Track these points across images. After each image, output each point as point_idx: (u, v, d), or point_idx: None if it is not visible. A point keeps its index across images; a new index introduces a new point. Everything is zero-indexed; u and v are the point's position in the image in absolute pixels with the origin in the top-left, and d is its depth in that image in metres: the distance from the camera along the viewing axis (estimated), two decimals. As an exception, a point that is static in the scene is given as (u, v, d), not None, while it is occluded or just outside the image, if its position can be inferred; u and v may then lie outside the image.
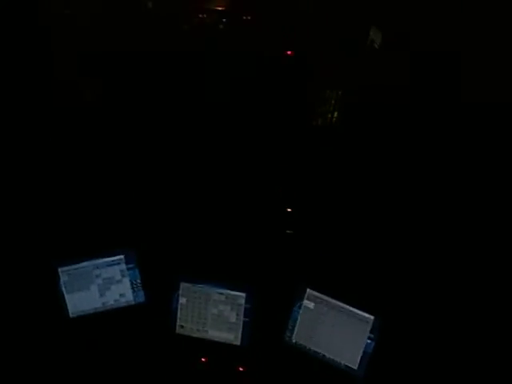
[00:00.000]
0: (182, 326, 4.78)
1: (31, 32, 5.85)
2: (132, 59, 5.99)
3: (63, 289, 4.74)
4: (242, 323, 4.68)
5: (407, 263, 5.05)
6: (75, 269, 4.75)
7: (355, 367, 4.50)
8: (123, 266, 4.73)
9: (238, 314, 4.68)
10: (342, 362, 4.52)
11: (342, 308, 4.50)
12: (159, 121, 5.86)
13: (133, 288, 4.77)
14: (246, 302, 4.65)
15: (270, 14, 6.45)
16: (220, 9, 6.55)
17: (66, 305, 4.74)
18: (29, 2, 5.94)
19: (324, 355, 4.57)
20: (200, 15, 6.51)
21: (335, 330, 4.54)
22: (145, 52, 6.00)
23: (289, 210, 5.67)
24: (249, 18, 6.52)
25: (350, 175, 5.68)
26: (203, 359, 4.76)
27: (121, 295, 4.79)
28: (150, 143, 5.71)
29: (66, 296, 4.75)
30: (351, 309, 4.49)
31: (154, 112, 5.86)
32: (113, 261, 4.73)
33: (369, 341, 4.44)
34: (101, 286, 4.76)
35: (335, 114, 6.10)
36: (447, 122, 5.59)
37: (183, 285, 4.72)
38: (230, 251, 5.15)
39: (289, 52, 6.33)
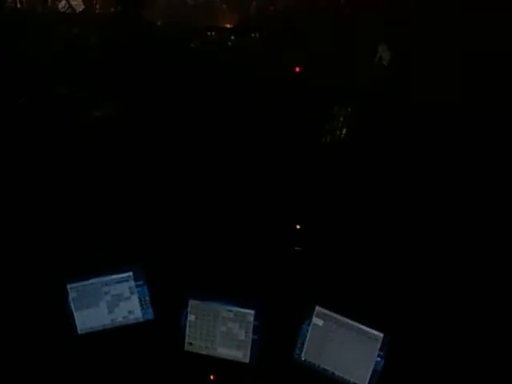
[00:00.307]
0: (190, 344, 4.78)
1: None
2: (143, 75, 6.06)
3: (72, 305, 4.75)
4: (250, 341, 4.67)
5: (417, 280, 5.03)
6: (84, 285, 4.76)
7: (365, 385, 4.48)
8: (132, 283, 4.74)
9: (246, 332, 4.67)
10: (352, 380, 4.50)
11: (352, 325, 4.49)
12: (169, 134, 5.89)
13: (141, 305, 4.77)
14: (255, 320, 4.64)
15: (279, 31, 6.51)
16: (229, 26, 6.63)
17: (74, 321, 4.74)
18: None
19: (333, 373, 4.56)
20: (209, 33, 6.58)
21: (344, 347, 4.52)
22: (155, 67, 6.07)
23: (298, 226, 5.68)
24: (257, 35, 6.58)
25: (360, 191, 5.68)
26: (212, 377, 4.75)
27: (129, 312, 4.80)
28: (159, 157, 5.74)
29: (75, 313, 4.76)
30: (360, 326, 4.47)
31: (164, 127, 5.90)
32: (122, 278, 4.74)
33: (378, 358, 4.42)
34: (109, 303, 4.77)
35: (344, 131, 6.13)
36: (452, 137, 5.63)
37: (192, 302, 4.72)
38: (239, 268, 5.15)
39: (297, 68, 6.37)
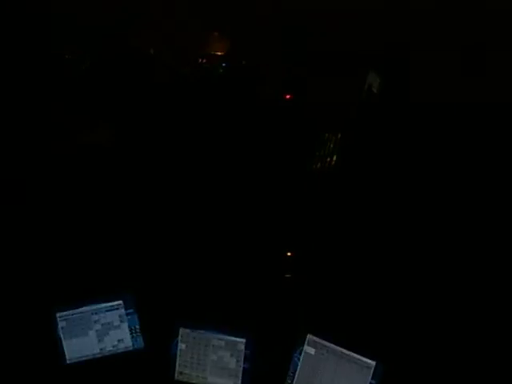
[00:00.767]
0: (181, 373, 4.75)
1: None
2: (139, 101, 6.10)
3: (61, 334, 4.71)
4: (241, 369, 4.65)
5: (408, 308, 5.04)
6: (73, 314, 4.73)
7: (357, 414, 4.46)
8: (122, 311, 4.72)
9: (237, 360, 4.65)
10: (344, 409, 4.48)
11: (343, 353, 4.49)
12: (158, 162, 5.91)
13: (132, 334, 4.75)
14: (246, 348, 4.63)
15: (270, 59, 6.58)
16: (219, 53, 6.69)
17: (63, 350, 4.70)
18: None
19: (325, 402, 4.53)
20: (200, 60, 6.64)
21: (336, 375, 4.51)
22: (150, 95, 6.13)
23: (288, 253, 5.68)
24: (247, 62, 6.64)
25: (350, 219, 5.71)
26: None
27: (119, 341, 4.77)
28: (150, 184, 5.75)
29: (64, 342, 4.74)
30: (352, 354, 4.47)
31: (155, 154, 5.92)
32: (112, 306, 4.72)
33: (370, 387, 4.40)
34: (99, 332, 4.75)
35: (334, 158, 6.17)
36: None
37: (182, 330, 4.70)
38: (229, 296, 5.15)
39: (288, 96, 6.44)
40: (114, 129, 6.02)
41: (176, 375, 4.80)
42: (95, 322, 4.75)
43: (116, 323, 4.77)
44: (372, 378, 4.46)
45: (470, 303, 4.98)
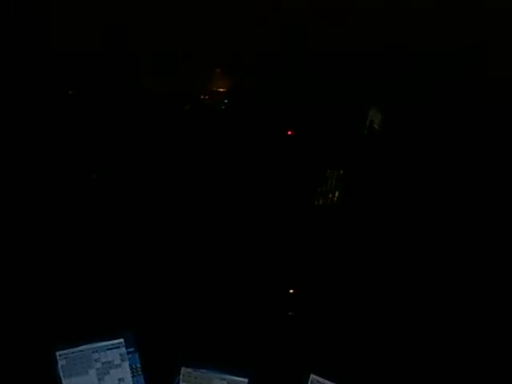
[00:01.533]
0: (182, 413, 4.70)
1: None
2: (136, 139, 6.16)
3: (61, 373, 4.66)
4: (244, 409, 4.59)
5: (403, 344, 5.05)
6: (73, 352, 4.68)
7: None
8: (123, 350, 4.68)
9: (239, 400, 4.60)
10: None
11: (347, 394, 4.44)
12: (160, 200, 5.95)
13: (132, 373, 4.71)
14: (249, 388, 4.58)
15: (271, 96, 6.65)
16: (221, 90, 6.77)
17: (63, 390, 4.65)
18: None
19: None
20: (202, 96, 6.72)
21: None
22: (149, 133, 6.19)
23: (291, 291, 5.68)
24: (249, 98, 6.72)
25: (353, 258, 5.73)
26: None
27: (120, 380, 4.73)
28: (152, 224, 5.78)
29: (64, 380, 4.68)
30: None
31: (156, 192, 5.96)
32: (112, 344, 4.69)
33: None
34: (100, 371, 4.70)
35: (336, 194, 6.21)
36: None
37: (184, 370, 4.67)
38: (232, 335, 5.13)
39: (289, 132, 6.50)
40: (114, 165, 6.07)
41: (177, 415, 4.75)
42: (96, 360, 4.71)
43: (117, 362, 4.73)
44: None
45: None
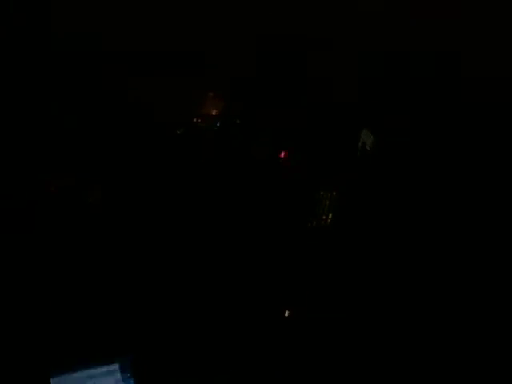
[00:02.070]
0: None
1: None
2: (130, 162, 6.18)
3: (56, 400, 4.63)
4: None
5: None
6: (68, 378, 4.66)
7: None
8: (118, 376, 4.67)
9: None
10: None
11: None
12: (154, 226, 5.95)
13: (127, 398, 4.68)
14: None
15: (262, 117, 6.71)
16: (214, 113, 6.82)
17: (57, 417, 4.62)
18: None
19: None
20: (195, 119, 6.76)
21: None
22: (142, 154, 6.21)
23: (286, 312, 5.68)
24: (241, 121, 6.78)
25: (348, 280, 5.75)
26: None
27: (115, 406, 4.69)
28: (145, 250, 5.78)
29: (59, 407, 4.64)
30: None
31: (150, 216, 5.96)
32: (108, 370, 4.66)
33: None
34: (95, 397, 4.67)
35: (330, 216, 6.24)
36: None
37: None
38: (232, 355, 5.12)
39: (282, 153, 6.54)
40: (106, 189, 6.09)
41: None
42: (91, 386, 4.68)
43: (112, 388, 4.71)
44: None
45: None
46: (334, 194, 6.34)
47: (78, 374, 4.69)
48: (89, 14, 6.31)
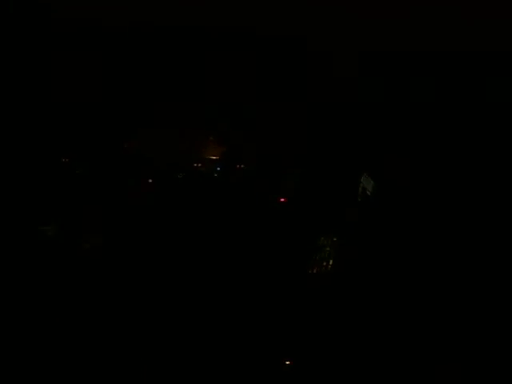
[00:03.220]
0: None
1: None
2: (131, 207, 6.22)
3: None
4: None
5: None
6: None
7: None
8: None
9: None
10: None
11: None
12: (154, 270, 5.95)
13: None
14: None
15: (263, 163, 6.76)
16: (214, 158, 6.87)
17: None
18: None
19: None
20: (195, 164, 6.81)
21: None
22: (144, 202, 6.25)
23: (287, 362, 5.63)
24: (242, 166, 6.82)
25: (349, 325, 5.72)
26: None
27: None
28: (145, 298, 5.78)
29: None
30: None
31: (151, 260, 5.97)
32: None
33: None
34: None
35: (330, 262, 6.23)
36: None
37: None
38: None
39: (282, 199, 6.57)
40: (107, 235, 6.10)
41: None
42: None
43: None
44: None
45: None
46: (335, 239, 6.34)
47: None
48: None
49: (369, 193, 6.50)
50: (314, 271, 6.24)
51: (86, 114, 6.64)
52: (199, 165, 6.83)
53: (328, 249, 6.31)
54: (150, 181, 6.42)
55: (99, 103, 6.65)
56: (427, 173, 6.30)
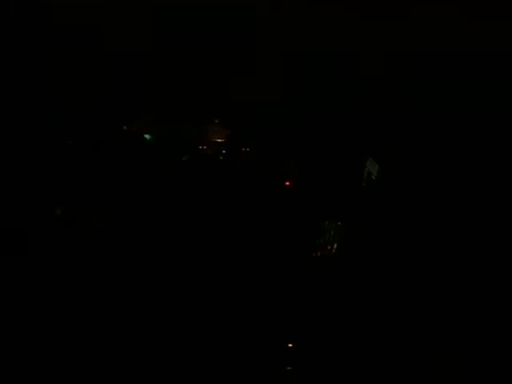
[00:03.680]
0: None
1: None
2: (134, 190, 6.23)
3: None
4: None
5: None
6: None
7: None
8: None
9: None
10: None
11: None
12: (159, 258, 5.99)
13: None
14: None
15: (269, 145, 6.76)
16: (220, 140, 6.87)
17: None
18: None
19: None
20: (201, 147, 6.82)
21: None
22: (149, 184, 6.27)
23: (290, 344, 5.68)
24: (248, 149, 6.83)
25: (353, 309, 5.75)
26: None
27: None
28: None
29: None
30: None
31: (155, 248, 6.01)
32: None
33: None
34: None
35: (334, 245, 6.25)
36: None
37: None
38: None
39: (287, 182, 6.58)
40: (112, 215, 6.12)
41: None
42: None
43: None
44: None
45: None
46: (339, 223, 6.36)
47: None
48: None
49: (374, 177, 6.51)
50: (319, 254, 6.28)
51: (87, 100, 6.64)
52: (204, 147, 6.84)
53: (332, 233, 6.34)
54: (155, 163, 6.45)
55: (100, 89, 6.65)
56: (433, 158, 6.30)
